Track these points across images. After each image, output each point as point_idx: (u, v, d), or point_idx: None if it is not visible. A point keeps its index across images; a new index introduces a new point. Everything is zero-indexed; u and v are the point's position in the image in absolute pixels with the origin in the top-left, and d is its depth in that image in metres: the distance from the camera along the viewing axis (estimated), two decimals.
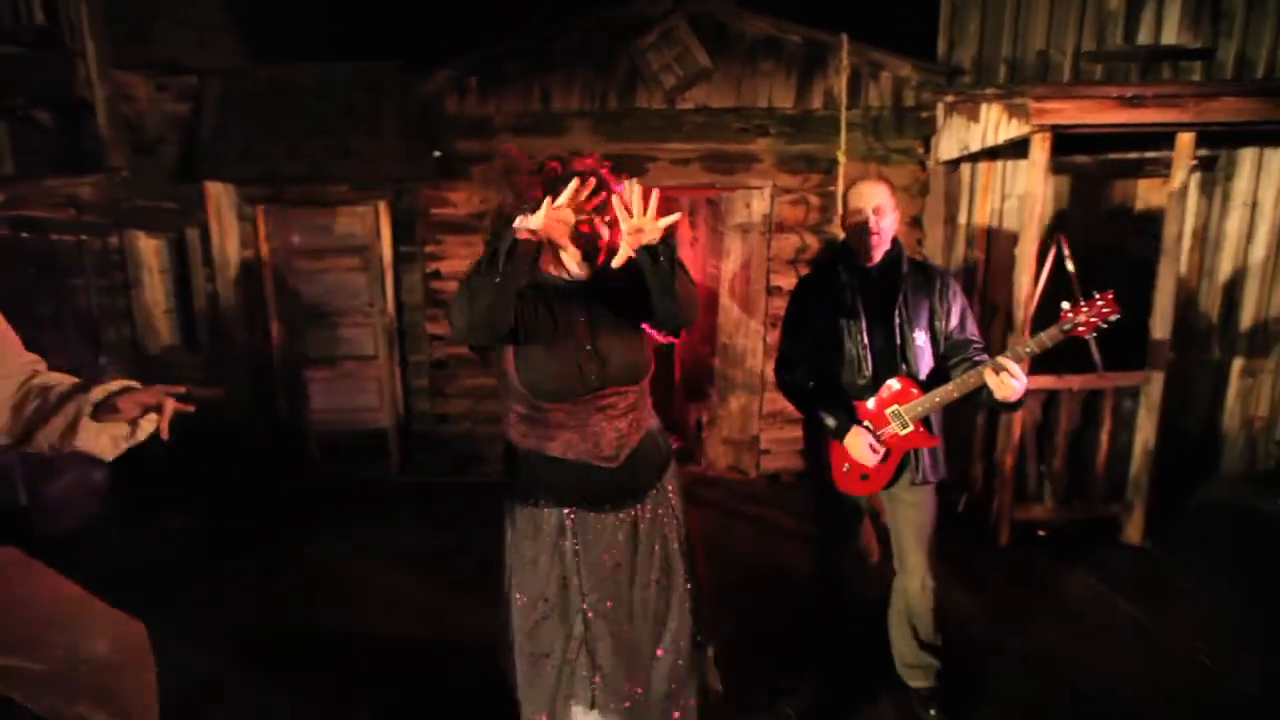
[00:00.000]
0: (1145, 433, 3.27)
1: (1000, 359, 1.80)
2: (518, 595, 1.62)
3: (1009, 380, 1.77)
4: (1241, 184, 4.03)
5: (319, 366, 4.29)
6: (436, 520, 3.68)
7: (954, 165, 4.05)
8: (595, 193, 1.51)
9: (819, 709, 2.21)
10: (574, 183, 1.43)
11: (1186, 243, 4.01)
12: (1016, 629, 2.62)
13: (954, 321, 2.01)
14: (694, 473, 4.41)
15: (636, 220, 1.41)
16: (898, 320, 1.98)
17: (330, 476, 4.25)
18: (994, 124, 3.28)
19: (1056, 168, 4.03)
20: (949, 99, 3.82)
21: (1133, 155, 3.94)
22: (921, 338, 1.99)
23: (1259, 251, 4.02)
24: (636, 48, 3.89)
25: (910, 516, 2.05)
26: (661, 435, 1.75)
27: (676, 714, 1.64)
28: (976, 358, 1.93)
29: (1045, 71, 4.01)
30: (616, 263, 1.48)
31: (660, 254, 1.43)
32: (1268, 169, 4.00)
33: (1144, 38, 4.03)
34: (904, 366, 1.98)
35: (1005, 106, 3.12)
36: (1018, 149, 3.44)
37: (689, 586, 1.67)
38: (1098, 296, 1.80)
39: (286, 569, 3.15)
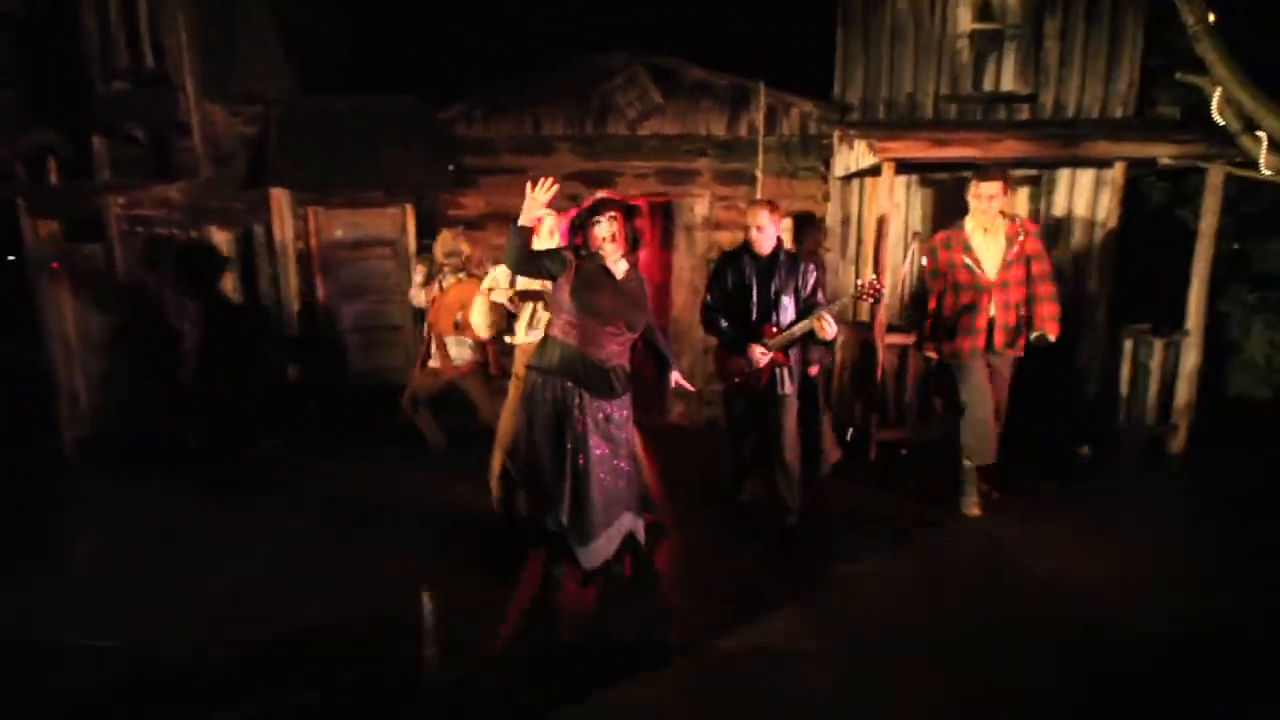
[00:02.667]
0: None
1: (821, 311, 3.13)
2: (530, 421, 2.77)
3: (825, 325, 3.12)
4: (1059, 195, 5.39)
5: (355, 334, 5.42)
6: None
7: (847, 179, 5.34)
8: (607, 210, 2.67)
9: (725, 523, 3.48)
10: (542, 181, 2.56)
11: None
12: (867, 506, 3.89)
13: (807, 291, 3.30)
14: (657, 420, 5.64)
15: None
16: (773, 288, 3.28)
17: (362, 419, 5.36)
18: (860, 154, 4.57)
19: (924, 183, 5.38)
20: (839, 132, 5.10)
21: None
22: (787, 300, 3.29)
23: (1077, 248, 5.35)
24: (607, 88, 5.11)
25: (781, 417, 3.31)
26: (627, 376, 2.90)
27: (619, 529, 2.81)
28: (812, 313, 3.20)
29: (913, 109, 5.32)
30: None
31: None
32: (1078, 185, 5.36)
33: (988, 85, 5.37)
34: (773, 315, 3.27)
35: (865, 143, 4.40)
36: (901, 167, 4.68)
37: (628, 462, 2.82)
38: (876, 278, 3.19)
39: (357, 469, 4.33)
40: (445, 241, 4.11)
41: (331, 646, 2.50)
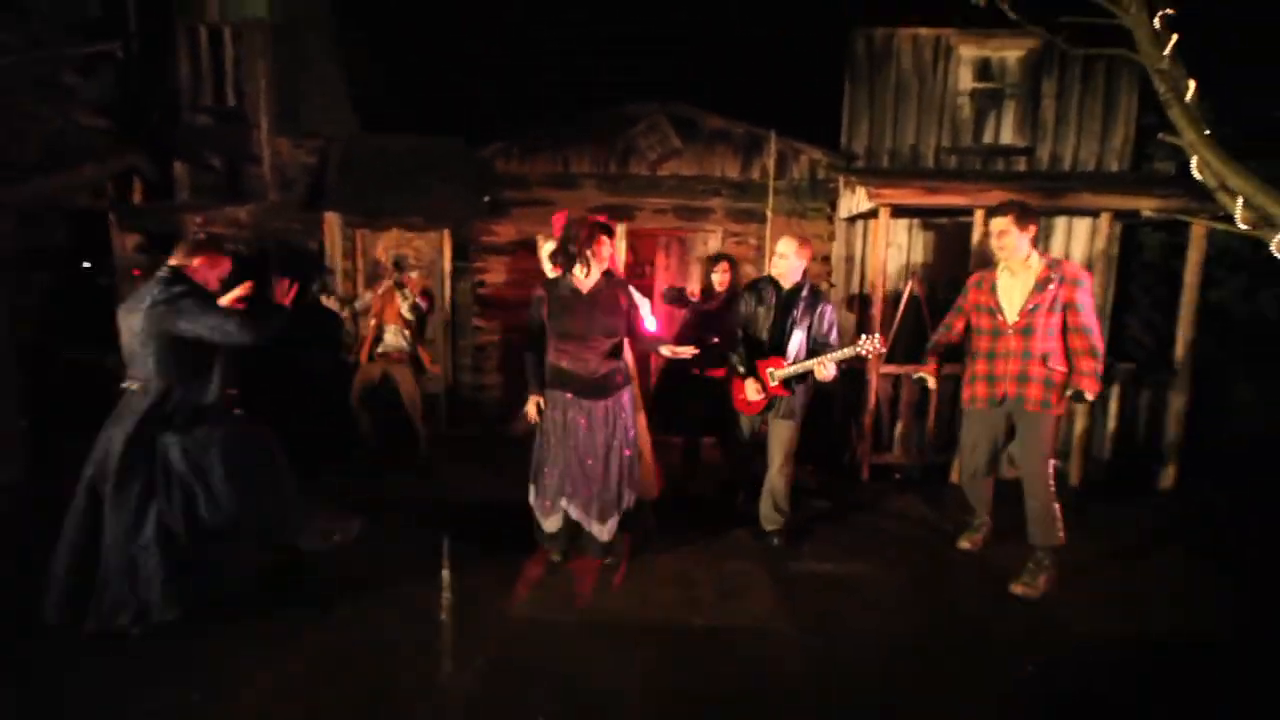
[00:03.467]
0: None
1: (824, 357, 3.24)
2: (541, 433, 3.19)
3: (825, 370, 3.25)
4: (1056, 241, 5.69)
5: None
6: (477, 454, 5.24)
7: (852, 220, 5.73)
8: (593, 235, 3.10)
9: (717, 529, 3.78)
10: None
11: None
12: (857, 517, 4.17)
13: (823, 329, 3.39)
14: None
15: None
16: (789, 322, 3.39)
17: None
18: (861, 198, 4.96)
19: (925, 226, 5.74)
20: (844, 178, 5.51)
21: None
22: (799, 335, 3.37)
23: None
24: (631, 133, 5.63)
25: (774, 435, 3.50)
26: (624, 371, 3.30)
27: (619, 509, 3.18)
28: (822, 353, 3.31)
29: (915, 159, 5.72)
30: None
31: None
32: (1075, 233, 5.67)
33: (988, 138, 5.76)
34: (785, 342, 3.39)
35: (864, 189, 4.80)
36: (897, 212, 5.06)
37: (628, 450, 3.22)
38: (879, 337, 3.21)
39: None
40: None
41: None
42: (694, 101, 5.60)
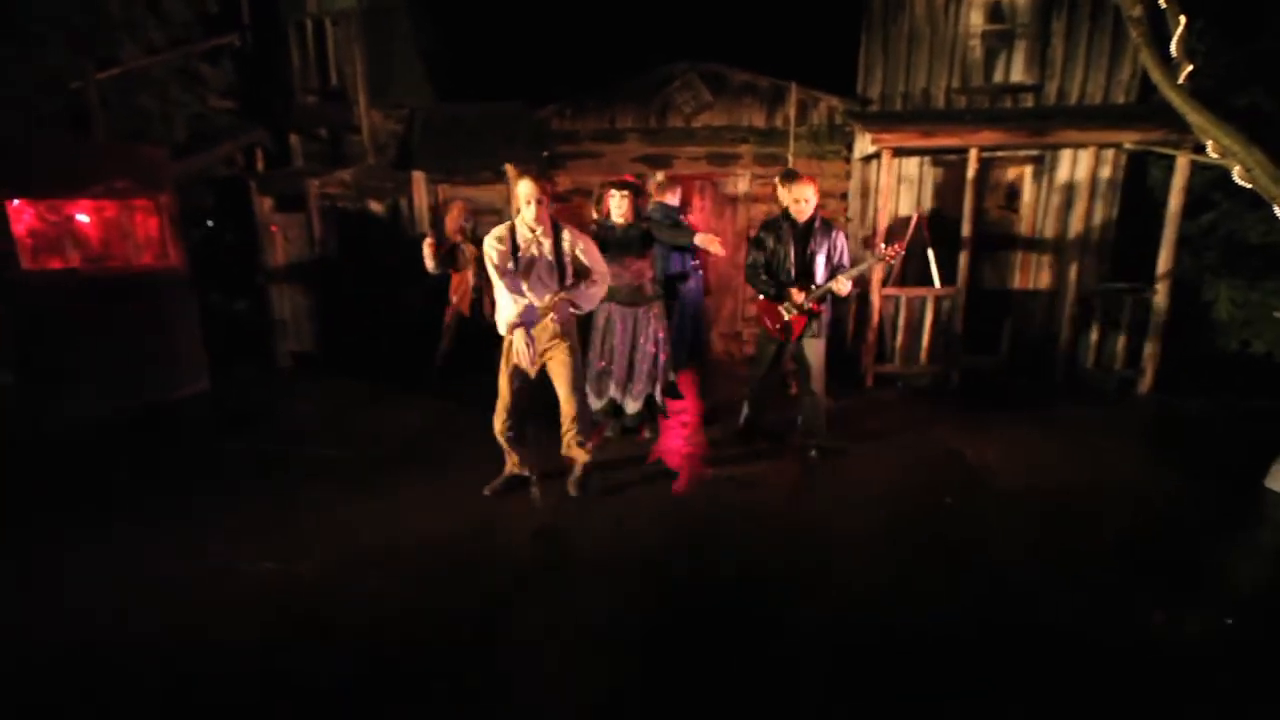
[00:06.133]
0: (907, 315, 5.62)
1: (841, 275, 3.76)
2: (593, 338, 4.24)
3: (843, 285, 3.74)
4: (1062, 171, 6.18)
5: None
6: None
7: (867, 160, 6.38)
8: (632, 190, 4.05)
9: (746, 446, 4.79)
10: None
11: (1027, 210, 6.24)
12: (865, 425, 5.10)
13: (837, 256, 3.86)
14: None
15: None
16: (809, 250, 3.87)
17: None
18: (868, 142, 5.63)
19: (936, 162, 6.33)
20: (857, 124, 6.15)
21: (1001, 154, 6.17)
22: (820, 260, 3.86)
23: (1075, 213, 6.16)
24: (667, 90, 6.40)
25: (810, 354, 3.97)
26: (654, 284, 4.30)
27: (652, 390, 4.25)
28: (839, 274, 3.85)
29: (928, 101, 6.26)
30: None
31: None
32: (1078, 162, 6.14)
33: (998, 77, 6.23)
34: (809, 270, 3.86)
35: (869, 134, 5.47)
36: (901, 152, 5.72)
37: (662, 351, 4.25)
38: (896, 244, 4.00)
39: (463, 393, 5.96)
40: (454, 216, 5.30)
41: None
42: (723, 59, 6.30)
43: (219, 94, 6.85)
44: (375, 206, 6.90)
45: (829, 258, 3.87)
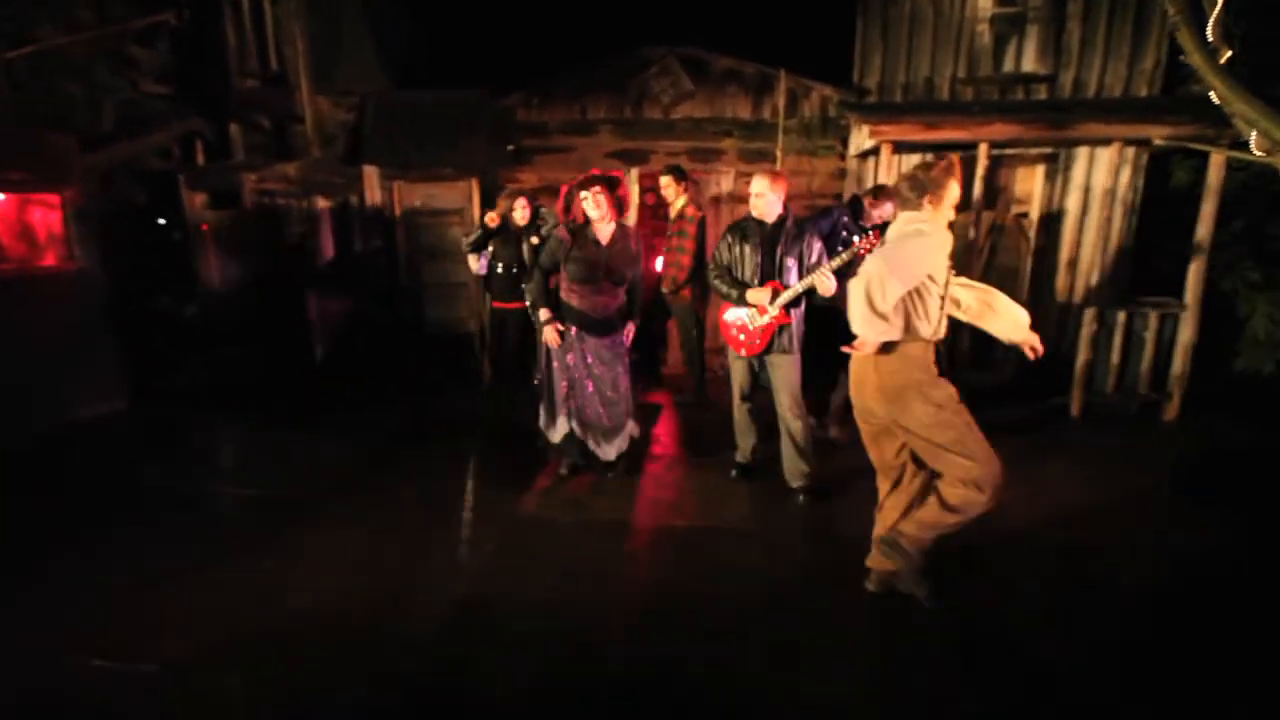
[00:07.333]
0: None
1: (822, 268, 3.18)
2: (554, 363, 3.63)
3: (825, 280, 3.17)
4: (1078, 170, 5.59)
5: (428, 289, 6.43)
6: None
7: (864, 157, 5.78)
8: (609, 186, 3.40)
9: (731, 489, 4.18)
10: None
11: (1035, 213, 5.64)
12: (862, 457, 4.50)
13: (812, 258, 3.32)
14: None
15: None
16: (778, 253, 3.32)
17: (437, 360, 6.40)
18: (865, 135, 5.04)
19: (938, 159, 5.72)
20: (854, 116, 5.55)
21: (1010, 151, 5.58)
22: (791, 263, 3.31)
23: (1091, 220, 5.57)
24: (643, 77, 5.79)
25: (780, 374, 3.40)
26: (625, 308, 3.66)
27: (620, 433, 3.64)
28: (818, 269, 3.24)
29: (931, 92, 5.67)
30: None
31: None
32: (1096, 162, 5.56)
33: (1008, 66, 5.64)
34: (778, 277, 3.34)
35: (866, 126, 4.88)
36: (902, 147, 5.11)
37: (626, 379, 3.63)
38: (872, 234, 3.21)
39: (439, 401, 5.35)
40: (502, 209, 4.84)
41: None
42: (704, 43, 5.69)
43: (153, 78, 6.22)
44: (322, 204, 6.28)
45: (802, 262, 3.32)
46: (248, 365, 6.00)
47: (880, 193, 4.11)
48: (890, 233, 2.51)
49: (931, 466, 2.50)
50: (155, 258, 6.40)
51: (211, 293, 5.97)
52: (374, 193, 6.18)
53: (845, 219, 4.07)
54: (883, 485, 2.72)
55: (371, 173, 6.12)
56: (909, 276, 2.34)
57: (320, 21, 5.76)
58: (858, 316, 2.40)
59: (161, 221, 6.72)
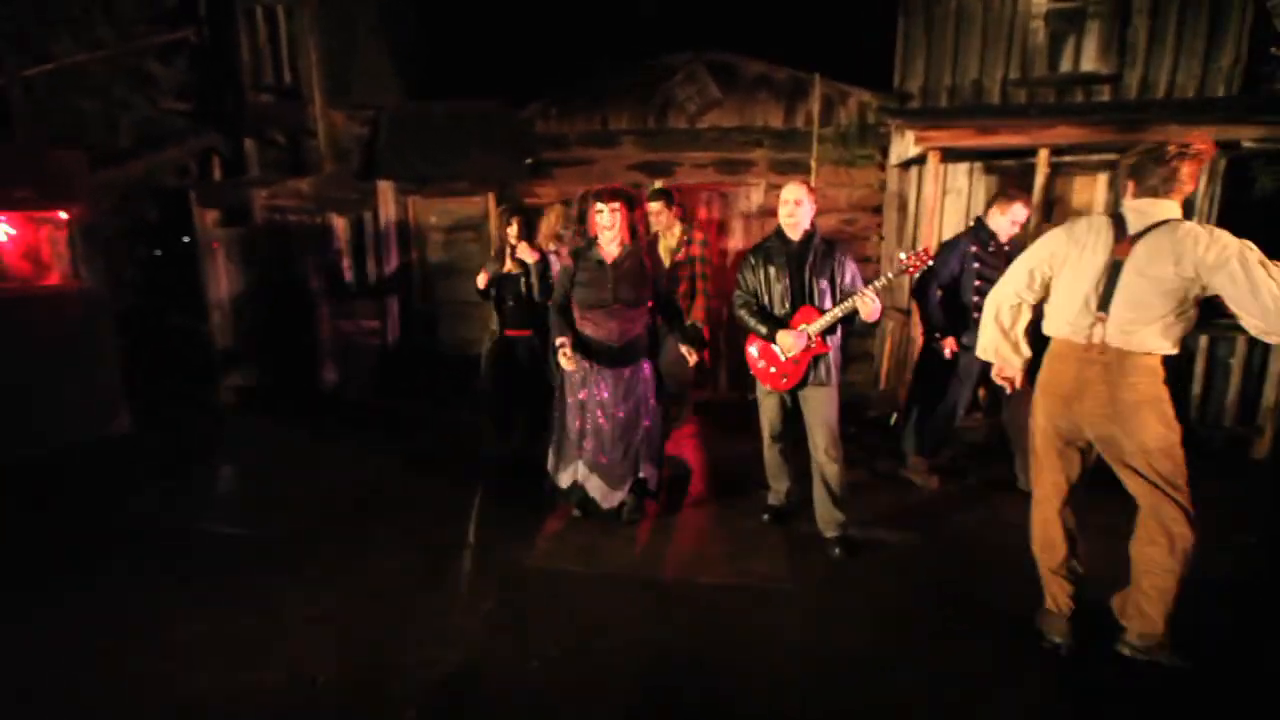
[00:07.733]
0: None
1: (865, 289, 2.76)
2: (568, 398, 3.28)
3: (869, 302, 2.75)
4: None
5: (444, 306, 6.17)
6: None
7: (905, 166, 5.35)
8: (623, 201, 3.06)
9: (763, 539, 3.77)
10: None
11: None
12: (907, 500, 4.05)
13: (846, 279, 2.96)
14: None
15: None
16: (807, 274, 2.95)
17: (450, 380, 6.11)
18: (910, 142, 4.62)
19: (988, 169, 5.27)
20: (896, 121, 5.13)
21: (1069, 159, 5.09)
22: (823, 284, 2.94)
23: None
24: (668, 85, 5.47)
25: (816, 409, 2.99)
26: (646, 338, 3.31)
27: (634, 476, 3.26)
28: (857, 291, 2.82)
29: (979, 95, 5.23)
30: None
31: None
32: None
33: (1065, 67, 5.17)
34: (811, 301, 2.96)
35: (911, 132, 4.46)
36: (950, 155, 4.68)
37: (649, 420, 3.27)
38: (922, 249, 2.86)
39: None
40: (551, 224, 4.42)
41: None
42: (733, 47, 5.35)
43: (173, 95, 6.14)
44: (337, 220, 6.09)
45: (835, 285, 2.96)
46: (256, 386, 5.81)
47: (1002, 196, 3.57)
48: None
49: (1143, 500, 2.25)
50: (169, 274, 6.29)
51: (221, 310, 5.79)
52: (389, 208, 5.98)
53: (974, 248, 3.52)
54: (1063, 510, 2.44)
55: (386, 188, 5.91)
56: None
57: (335, 34, 5.60)
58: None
59: (186, 239, 6.63)
